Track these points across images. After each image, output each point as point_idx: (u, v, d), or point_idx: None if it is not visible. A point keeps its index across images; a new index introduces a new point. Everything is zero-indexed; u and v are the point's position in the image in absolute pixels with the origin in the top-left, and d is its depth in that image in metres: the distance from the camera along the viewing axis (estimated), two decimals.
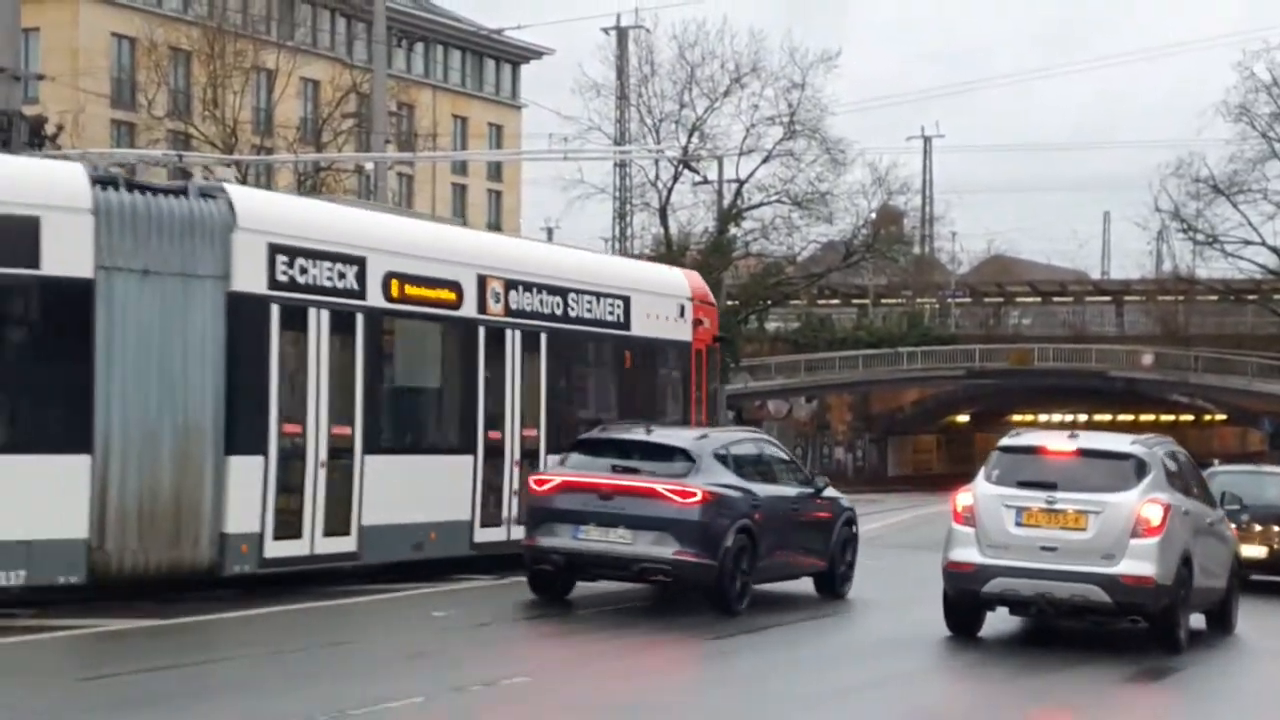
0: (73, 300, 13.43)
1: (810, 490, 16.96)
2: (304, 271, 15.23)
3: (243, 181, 47.53)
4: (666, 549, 14.68)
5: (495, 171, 72.66)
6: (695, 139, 57.32)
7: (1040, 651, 14.21)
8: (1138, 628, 14.36)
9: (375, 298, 16.07)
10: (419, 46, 67.44)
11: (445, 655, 12.42)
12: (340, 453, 15.57)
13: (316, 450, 15.26)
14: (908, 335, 73.37)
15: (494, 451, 17.72)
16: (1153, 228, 69.05)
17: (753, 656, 13.23)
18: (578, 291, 19.19)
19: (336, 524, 15.52)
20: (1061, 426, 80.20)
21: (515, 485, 17.82)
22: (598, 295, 19.54)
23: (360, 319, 15.84)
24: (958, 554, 13.98)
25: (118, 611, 13.41)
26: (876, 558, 23.40)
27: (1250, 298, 70.01)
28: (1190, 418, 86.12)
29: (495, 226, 64.46)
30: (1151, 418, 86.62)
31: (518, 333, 18.11)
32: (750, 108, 57.53)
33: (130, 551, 13.78)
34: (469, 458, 17.39)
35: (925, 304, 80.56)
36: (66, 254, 13.42)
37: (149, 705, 10.04)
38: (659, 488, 14.82)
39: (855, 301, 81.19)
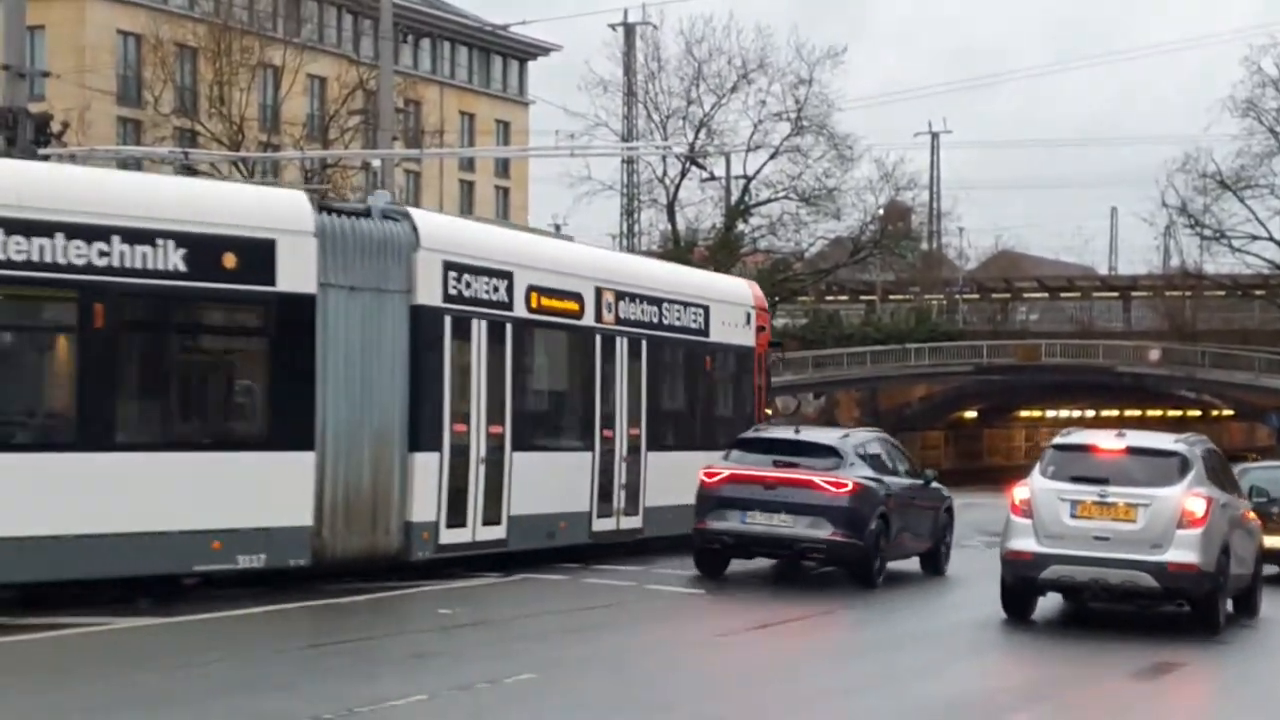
0: (301, 313, 15.26)
1: (921, 481, 19.49)
2: (469, 286, 17.11)
3: (248, 178, 47.62)
4: (823, 531, 17.28)
5: (503, 168, 72.62)
6: (702, 135, 57.29)
7: (1081, 633, 14.52)
8: (1181, 610, 15.56)
9: (520, 309, 18.00)
10: (426, 43, 67.46)
11: (451, 653, 12.39)
12: (494, 450, 17.42)
13: (478, 448, 17.14)
14: (915, 331, 73.22)
15: (607, 448, 19.59)
16: (1160, 223, 68.97)
17: (755, 651, 13.20)
18: (669, 301, 21.09)
19: (491, 514, 17.35)
20: (1074, 422, 79.88)
21: (623, 479, 19.72)
22: (685, 305, 21.45)
23: (509, 328, 17.76)
24: (1016, 543, 15.17)
25: (117, 610, 13.41)
26: None
27: (1257, 293, 69.83)
28: (1197, 413, 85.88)
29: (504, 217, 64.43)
30: (1159, 413, 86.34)
31: (625, 339, 19.98)
32: (757, 104, 57.49)
33: (340, 537, 15.54)
34: (589, 454, 19.29)
35: (933, 300, 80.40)
36: (296, 272, 15.20)
37: (151, 704, 10.02)
38: (816, 479, 17.46)
39: (863, 298, 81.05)
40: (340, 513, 15.50)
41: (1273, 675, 14.19)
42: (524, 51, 73.53)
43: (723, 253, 54.38)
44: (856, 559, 17.51)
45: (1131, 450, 15.44)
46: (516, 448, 17.60)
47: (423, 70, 66.11)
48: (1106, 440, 15.76)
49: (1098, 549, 14.77)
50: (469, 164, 69.96)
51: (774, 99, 57.46)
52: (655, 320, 20.65)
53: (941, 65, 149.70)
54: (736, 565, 18.29)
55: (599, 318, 19.36)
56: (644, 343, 20.24)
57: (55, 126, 23.57)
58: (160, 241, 14.15)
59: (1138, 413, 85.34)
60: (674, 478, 18.22)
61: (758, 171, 58.33)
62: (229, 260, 14.70)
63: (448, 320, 16.64)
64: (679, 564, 19.08)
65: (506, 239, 19.49)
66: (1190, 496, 14.88)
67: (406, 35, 57.68)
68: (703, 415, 21.71)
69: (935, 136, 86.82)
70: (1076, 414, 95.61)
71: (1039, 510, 15.05)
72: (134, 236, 14.00)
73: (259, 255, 14.93)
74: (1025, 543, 15.07)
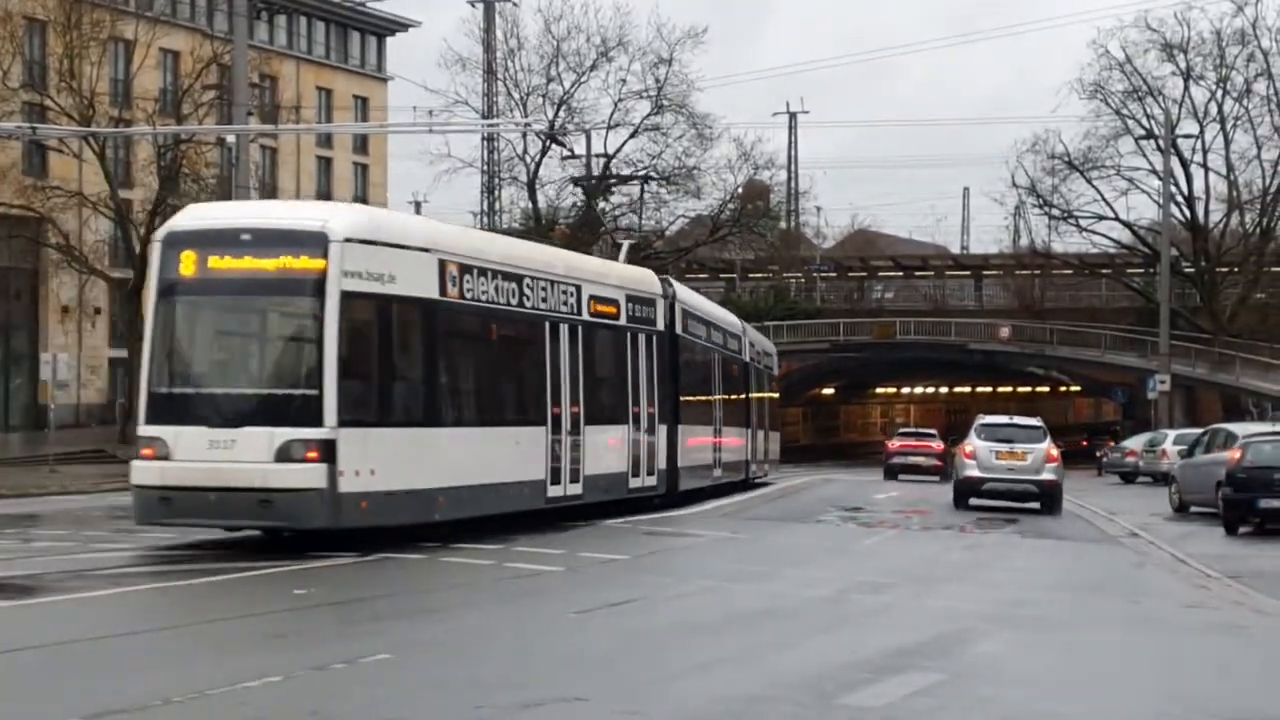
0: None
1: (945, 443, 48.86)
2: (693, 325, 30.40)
3: (99, 154, 46.60)
4: (934, 462, 46.06)
5: (361, 145, 71.91)
6: (563, 113, 57.37)
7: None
8: (1039, 508, 29.54)
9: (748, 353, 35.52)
10: (282, 17, 66.48)
11: (306, 634, 12.34)
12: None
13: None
14: (774, 309, 74.01)
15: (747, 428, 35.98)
16: (1010, 203, 70.53)
17: (616, 628, 13.34)
18: (761, 352, 38.40)
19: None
20: (929, 398, 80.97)
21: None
22: (767, 352, 40.28)
23: (722, 357, 32.67)
24: (968, 472, 29.81)
25: None
26: (739, 529, 23.71)
27: (1104, 271, 71.68)
28: (1046, 389, 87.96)
29: (362, 200, 63.83)
30: (1009, 389, 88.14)
31: (761, 370, 37.38)
32: (618, 82, 57.77)
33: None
34: (743, 431, 35.46)
35: (791, 278, 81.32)
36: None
37: None
38: (930, 445, 47.95)
39: (723, 276, 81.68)
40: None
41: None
42: (382, 27, 72.83)
43: (583, 230, 54.56)
44: (944, 473, 40.83)
45: (1020, 425, 31.11)
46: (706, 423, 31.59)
47: (279, 45, 65.21)
48: (1006, 420, 31.98)
49: (1009, 474, 29.61)
50: (327, 140, 69.18)
51: (634, 78, 57.77)
52: (768, 359, 40.81)
53: (852, 48, 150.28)
54: (589, 553, 18.79)
55: (747, 355, 35.93)
56: (766, 367, 38.40)
57: None
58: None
59: (989, 389, 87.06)
60: None
61: (618, 150, 58.54)
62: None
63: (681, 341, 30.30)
64: (538, 541, 19.23)
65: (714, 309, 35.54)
66: (1052, 447, 30.08)
67: (261, 9, 56.80)
68: (758, 415, 37.93)
69: (793, 116, 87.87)
70: (931, 390, 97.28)
71: (979, 455, 29.63)
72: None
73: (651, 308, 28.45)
74: (973, 471, 29.62)
